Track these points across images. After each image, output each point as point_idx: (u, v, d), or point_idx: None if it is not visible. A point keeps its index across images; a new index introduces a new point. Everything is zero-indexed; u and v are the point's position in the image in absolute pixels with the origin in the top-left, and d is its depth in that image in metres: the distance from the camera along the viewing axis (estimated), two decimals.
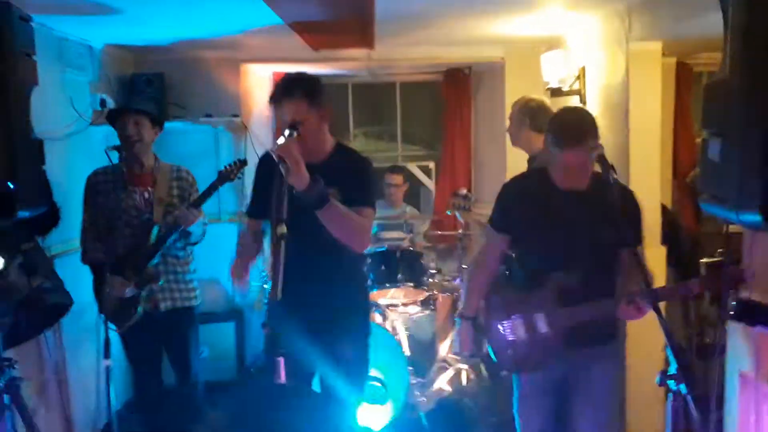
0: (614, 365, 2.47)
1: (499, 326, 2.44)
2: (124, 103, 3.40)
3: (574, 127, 2.28)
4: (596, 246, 2.32)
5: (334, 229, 2.25)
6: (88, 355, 3.67)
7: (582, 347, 2.34)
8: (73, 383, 3.48)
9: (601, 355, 2.40)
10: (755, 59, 1.65)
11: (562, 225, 2.34)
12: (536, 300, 2.36)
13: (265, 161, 2.44)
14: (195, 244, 3.21)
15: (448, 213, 4.07)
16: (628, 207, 2.31)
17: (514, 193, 2.51)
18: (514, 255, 2.55)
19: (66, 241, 3.40)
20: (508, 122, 3.36)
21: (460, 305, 2.69)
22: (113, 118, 3.15)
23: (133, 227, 3.08)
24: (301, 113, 2.24)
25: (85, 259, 3.13)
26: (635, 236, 2.34)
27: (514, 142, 3.29)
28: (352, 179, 2.35)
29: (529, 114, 3.14)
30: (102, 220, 3.10)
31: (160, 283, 3.07)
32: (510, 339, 2.41)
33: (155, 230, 3.04)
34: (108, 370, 2.95)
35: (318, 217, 2.20)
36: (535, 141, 3.10)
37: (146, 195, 3.13)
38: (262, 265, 3.98)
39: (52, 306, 2.97)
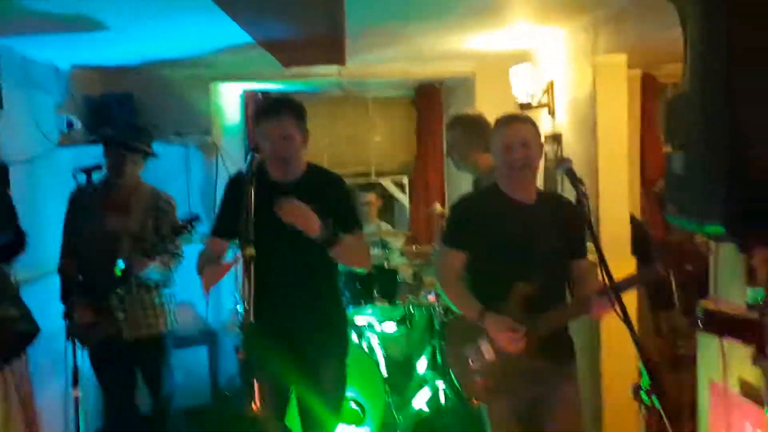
0: (576, 384, 2.47)
1: (466, 353, 2.38)
2: (120, 137, 3.19)
3: (512, 113, 2.55)
4: (551, 257, 2.35)
5: (343, 258, 2.41)
6: (56, 384, 3.58)
7: (549, 364, 2.34)
8: (40, 413, 3.38)
9: (566, 374, 2.42)
10: (713, 73, 1.68)
11: (518, 237, 2.36)
12: (502, 314, 2.31)
13: (236, 181, 2.44)
14: (162, 282, 3.16)
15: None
16: (575, 220, 2.32)
17: (467, 209, 2.52)
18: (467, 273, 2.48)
19: (33, 267, 3.31)
20: (448, 146, 3.24)
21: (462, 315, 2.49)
22: (105, 142, 3.14)
23: (103, 253, 3.02)
24: (289, 130, 2.33)
25: (63, 281, 3.10)
26: (582, 248, 2.43)
27: (460, 165, 3.16)
28: (336, 204, 2.40)
29: (478, 133, 3.03)
30: (78, 241, 3.08)
31: (120, 316, 3.02)
32: (478, 366, 2.36)
33: (120, 263, 2.97)
34: (76, 400, 2.87)
35: (330, 253, 2.33)
36: (483, 161, 3.00)
37: (118, 222, 3.09)
38: (235, 288, 3.93)
39: (19, 334, 2.89)
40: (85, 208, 3.07)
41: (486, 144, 3.00)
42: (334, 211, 2.36)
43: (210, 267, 2.40)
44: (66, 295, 3.05)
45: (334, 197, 2.41)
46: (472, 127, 3.08)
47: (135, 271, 2.93)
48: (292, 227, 2.24)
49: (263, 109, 2.43)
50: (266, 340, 2.12)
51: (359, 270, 2.60)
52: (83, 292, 2.98)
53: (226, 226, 2.42)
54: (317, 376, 2.39)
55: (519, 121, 2.44)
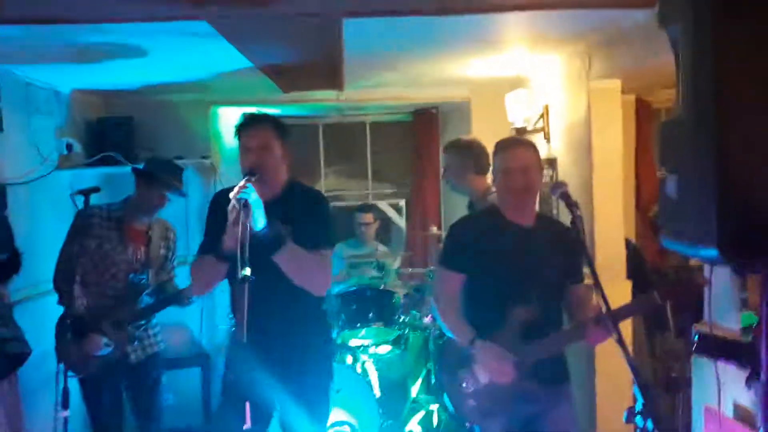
0: (572, 408, 2.46)
1: (460, 376, 2.37)
2: (163, 174, 3.09)
3: (513, 137, 2.41)
4: (548, 280, 2.36)
5: (292, 271, 2.22)
6: (45, 406, 3.54)
7: (543, 386, 2.33)
8: None
9: (560, 396, 2.40)
10: (703, 98, 1.71)
11: (516, 260, 2.37)
12: (499, 339, 2.31)
13: (218, 201, 2.42)
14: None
15: None
16: (572, 245, 2.33)
17: (465, 231, 2.51)
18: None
19: (26, 288, 3.31)
20: (442, 170, 3.34)
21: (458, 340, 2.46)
22: (148, 178, 3.06)
23: (118, 282, 3.02)
24: (268, 140, 2.30)
25: (70, 307, 2.99)
26: (579, 272, 2.43)
27: (456, 187, 3.24)
28: (309, 217, 2.33)
29: (473, 157, 3.10)
30: (87, 265, 3.00)
31: (135, 342, 3.04)
32: (472, 389, 2.35)
33: (147, 295, 3.02)
34: (65, 421, 2.85)
35: (275, 260, 2.18)
36: (477, 184, 3.07)
37: (138, 254, 3.08)
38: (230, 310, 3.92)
39: (10, 356, 2.88)
40: (101, 234, 3.03)
41: (480, 167, 3.05)
42: (306, 226, 2.28)
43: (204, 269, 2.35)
44: (67, 325, 3.00)
45: (311, 211, 2.35)
46: (466, 151, 3.13)
47: (169, 302, 3.01)
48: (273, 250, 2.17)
49: (242, 123, 2.36)
50: (250, 359, 2.11)
51: (314, 293, 2.32)
52: (94, 321, 2.95)
53: (211, 245, 2.34)
54: (300, 399, 2.34)
55: (520, 145, 2.46)
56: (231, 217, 2.08)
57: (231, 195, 2.11)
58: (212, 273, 2.33)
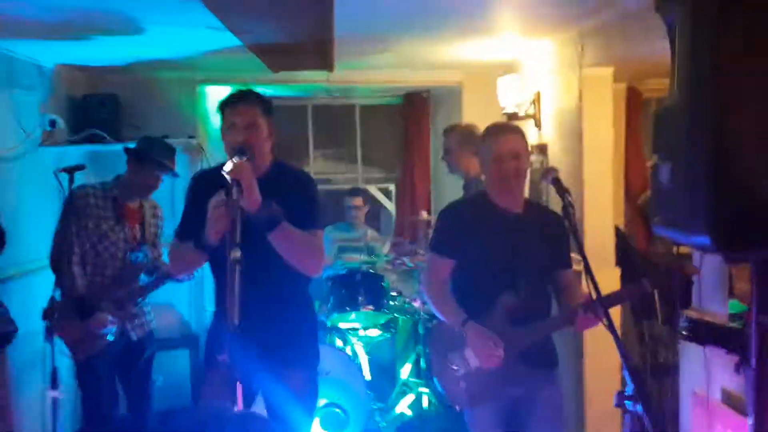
0: (560, 391, 2.48)
1: (450, 359, 2.39)
2: (157, 155, 3.07)
3: (502, 123, 2.56)
4: (537, 266, 2.38)
5: (287, 252, 2.19)
6: (34, 386, 3.51)
7: (531, 370, 2.35)
8: (17, 415, 3.31)
9: (549, 379, 2.43)
10: (700, 85, 1.71)
11: (505, 246, 2.37)
12: (488, 324, 2.32)
13: (198, 182, 2.38)
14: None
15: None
16: (560, 231, 2.38)
17: (455, 216, 2.52)
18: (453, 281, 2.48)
19: (11, 266, 3.26)
20: (445, 152, 3.55)
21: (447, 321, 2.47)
22: (142, 158, 3.03)
23: (117, 261, 3.02)
24: (255, 117, 2.25)
25: (72, 289, 2.95)
26: (567, 259, 2.46)
27: (454, 169, 3.51)
28: (297, 198, 2.29)
29: (469, 140, 3.29)
30: (87, 246, 2.99)
31: (135, 321, 3.06)
32: (462, 372, 2.37)
33: (149, 272, 3.04)
34: (55, 400, 2.82)
35: (270, 240, 2.14)
36: (472, 167, 3.26)
37: (135, 232, 3.09)
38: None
39: None
40: (98, 215, 3.02)
41: (476, 150, 3.07)
42: (296, 207, 2.23)
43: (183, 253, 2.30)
44: (68, 304, 2.97)
45: (298, 192, 2.31)
46: (465, 134, 3.34)
47: (167, 279, 3.01)
48: (261, 233, 2.12)
49: (228, 99, 2.30)
50: (236, 344, 2.09)
51: (310, 273, 2.29)
52: (96, 300, 2.94)
53: (190, 227, 2.27)
54: (286, 382, 2.33)
55: (510, 131, 2.46)
56: (215, 212, 2.03)
57: (224, 170, 2.06)
58: (190, 260, 2.30)
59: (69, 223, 2.99)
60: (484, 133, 2.51)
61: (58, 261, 2.99)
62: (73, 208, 3.00)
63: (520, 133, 2.47)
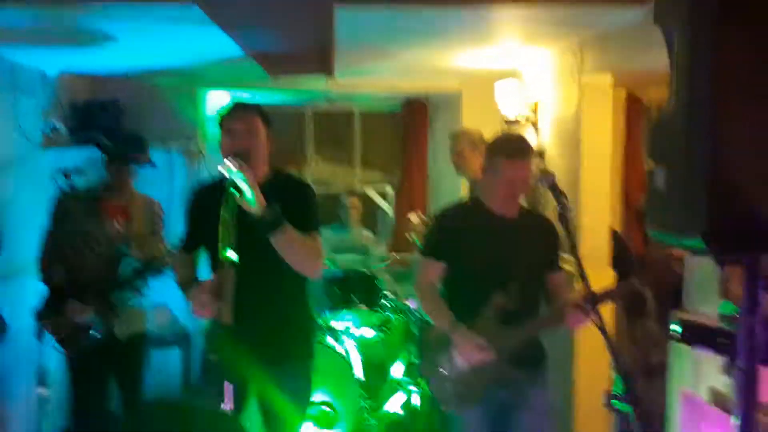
0: (547, 395, 2.49)
1: (438, 361, 2.41)
2: (122, 150, 3.14)
3: (517, 141, 2.49)
4: (529, 271, 2.40)
5: (288, 254, 2.22)
6: (22, 383, 3.52)
7: (519, 373, 2.36)
8: (5, 413, 3.33)
9: (536, 382, 2.44)
10: (698, 93, 1.73)
11: (498, 252, 2.39)
12: (478, 327, 2.34)
13: (198, 193, 2.44)
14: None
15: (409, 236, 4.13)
16: (551, 235, 2.45)
17: (448, 221, 2.55)
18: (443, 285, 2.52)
19: (7, 266, 3.29)
20: (454, 154, 3.67)
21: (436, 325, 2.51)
22: (108, 154, 3.11)
23: (99, 255, 3.04)
24: (254, 124, 2.29)
25: (48, 282, 3.04)
26: (557, 262, 2.49)
27: (462, 171, 3.66)
28: (295, 203, 2.32)
29: (476, 145, 3.48)
30: (67, 245, 3.05)
31: (121, 319, 3.06)
32: (449, 374, 2.38)
33: (130, 264, 3.03)
34: (43, 398, 2.84)
35: (272, 242, 2.17)
36: (479, 170, 3.22)
37: (119, 228, 3.10)
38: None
39: None
40: (78, 215, 3.06)
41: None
42: (293, 211, 2.25)
43: (193, 289, 2.30)
44: (53, 301, 3.02)
45: (296, 198, 2.34)
46: (476, 137, 3.54)
47: (154, 274, 3.05)
48: (258, 232, 2.15)
49: (227, 108, 2.36)
50: (233, 344, 2.11)
51: (309, 276, 2.35)
52: (77, 296, 2.98)
53: (194, 239, 2.37)
54: (280, 380, 2.34)
55: (523, 157, 2.40)
56: (198, 299, 2.16)
57: (226, 161, 2.09)
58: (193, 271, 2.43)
59: (54, 229, 3.09)
60: (495, 146, 2.47)
61: (43, 263, 3.08)
62: (57, 213, 3.09)
63: (530, 154, 2.44)
